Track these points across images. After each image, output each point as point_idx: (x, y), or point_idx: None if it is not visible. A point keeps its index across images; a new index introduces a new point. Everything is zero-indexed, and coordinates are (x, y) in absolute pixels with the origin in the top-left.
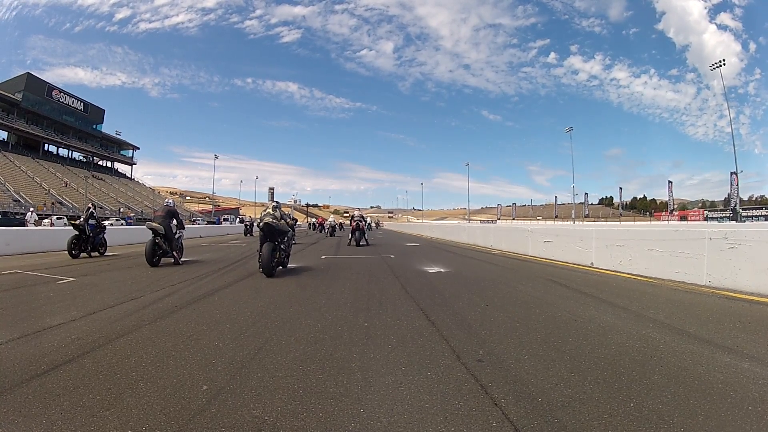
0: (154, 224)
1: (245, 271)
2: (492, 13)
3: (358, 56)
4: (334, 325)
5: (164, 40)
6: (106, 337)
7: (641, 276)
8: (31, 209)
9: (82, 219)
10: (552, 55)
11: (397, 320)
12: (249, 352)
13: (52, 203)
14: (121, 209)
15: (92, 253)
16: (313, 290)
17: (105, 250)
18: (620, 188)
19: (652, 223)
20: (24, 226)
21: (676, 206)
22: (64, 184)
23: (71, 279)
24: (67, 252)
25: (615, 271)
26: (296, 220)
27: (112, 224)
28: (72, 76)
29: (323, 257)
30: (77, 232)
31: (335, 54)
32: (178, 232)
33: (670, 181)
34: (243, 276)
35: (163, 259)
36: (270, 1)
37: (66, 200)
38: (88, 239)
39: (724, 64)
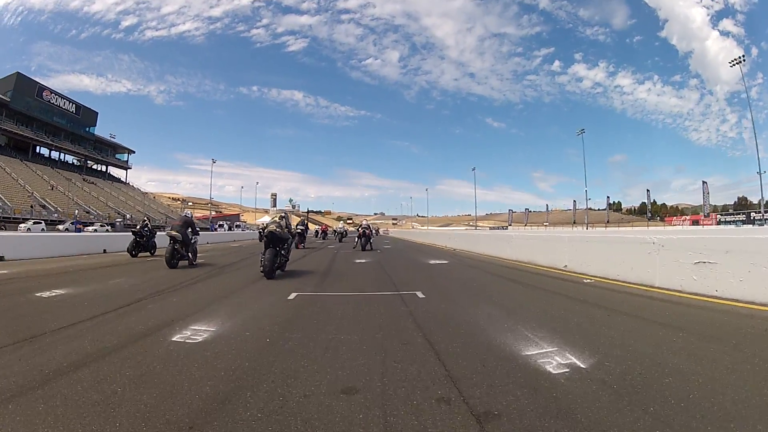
0: (173, 232)
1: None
2: (497, 22)
3: (363, 65)
4: None
5: (170, 48)
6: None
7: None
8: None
9: (138, 227)
10: (556, 63)
11: None
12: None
13: (31, 206)
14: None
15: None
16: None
17: (154, 251)
18: (648, 190)
19: (685, 228)
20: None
21: (688, 210)
22: (50, 187)
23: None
24: (127, 252)
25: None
26: (308, 228)
27: (96, 230)
28: (77, 82)
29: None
30: (135, 237)
31: (341, 63)
32: (193, 238)
33: (704, 182)
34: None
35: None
36: (276, 11)
37: (49, 204)
38: (142, 243)
39: (744, 61)
